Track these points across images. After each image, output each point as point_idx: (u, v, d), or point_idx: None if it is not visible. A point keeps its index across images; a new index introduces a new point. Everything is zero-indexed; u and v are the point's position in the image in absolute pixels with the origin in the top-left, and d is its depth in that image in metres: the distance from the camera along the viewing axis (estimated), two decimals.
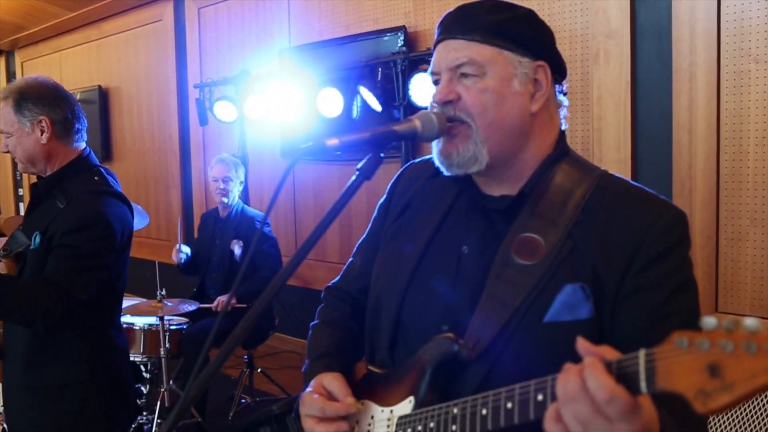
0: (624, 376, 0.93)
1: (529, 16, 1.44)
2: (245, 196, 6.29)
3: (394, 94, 4.86)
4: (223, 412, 4.96)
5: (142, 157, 8.13)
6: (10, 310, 2.32)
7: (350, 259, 1.80)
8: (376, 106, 4.87)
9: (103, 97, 8.49)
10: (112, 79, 8.46)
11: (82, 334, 2.49)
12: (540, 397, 1.06)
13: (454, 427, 1.24)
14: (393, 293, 1.52)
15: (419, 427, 1.33)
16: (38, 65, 9.98)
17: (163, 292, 4.36)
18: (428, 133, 1.38)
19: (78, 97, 8.63)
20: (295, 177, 6.16)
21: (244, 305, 4.62)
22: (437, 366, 1.35)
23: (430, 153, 1.49)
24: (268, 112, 5.62)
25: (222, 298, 4.64)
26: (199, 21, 7.08)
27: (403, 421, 1.38)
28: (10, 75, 10.74)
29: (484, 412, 1.17)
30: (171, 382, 4.33)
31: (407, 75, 4.72)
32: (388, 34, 5.17)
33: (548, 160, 1.44)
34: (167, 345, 4.29)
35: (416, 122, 1.36)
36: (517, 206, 1.42)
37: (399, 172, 1.72)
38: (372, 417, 1.47)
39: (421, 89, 4.54)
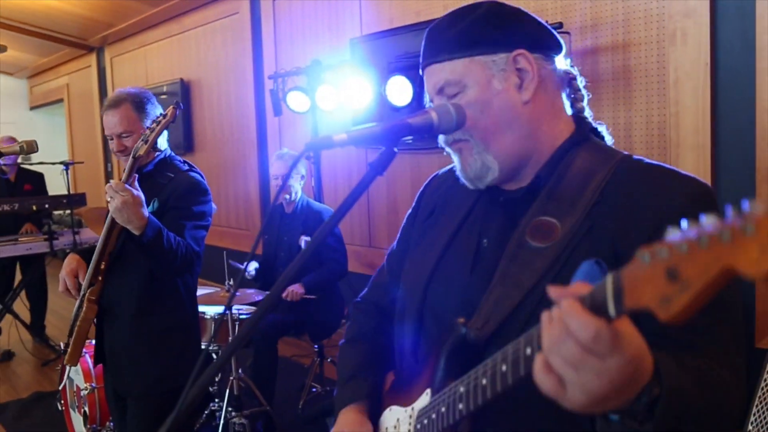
0: (597, 306, 0.88)
1: (489, 12, 1.39)
2: (317, 189, 6.32)
3: None
4: (293, 400, 5.00)
5: (221, 148, 8.29)
6: (166, 256, 2.66)
7: (378, 270, 1.79)
8: None
9: (184, 89, 8.70)
10: (192, 71, 8.66)
11: (181, 286, 2.95)
12: (528, 351, 1.01)
13: (460, 406, 1.20)
14: (415, 294, 1.50)
15: (433, 416, 1.31)
16: (125, 61, 10.32)
17: (231, 282, 4.42)
18: (446, 126, 1.33)
19: (163, 89, 8.88)
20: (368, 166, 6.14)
21: (313, 297, 4.65)
22: (450, 353, 1.32)
23: None
24: (339, 102, 5.61)
25: (292, 288, 4.66)
26: (274, 12, 7.14)
27: (420, 414, 1.37)
28: (101, 71, 11.15)
29: (484, 381, 1.13)
30: (240, 371, 4.39)
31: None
32: None
33: (564, 146, 1.40)
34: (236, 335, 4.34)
35: (432, 114, 1.32)
36: (534, 193, 1.38)
37: (425, 183, 1.72)
38: (398, 420, 1.46)
39: None
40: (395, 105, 5.13)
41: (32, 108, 14.49)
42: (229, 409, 4.31)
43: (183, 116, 8.67)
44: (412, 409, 1.41)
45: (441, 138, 1.42)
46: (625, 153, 1.37)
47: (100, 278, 2.83)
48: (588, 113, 1.48)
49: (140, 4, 8.63)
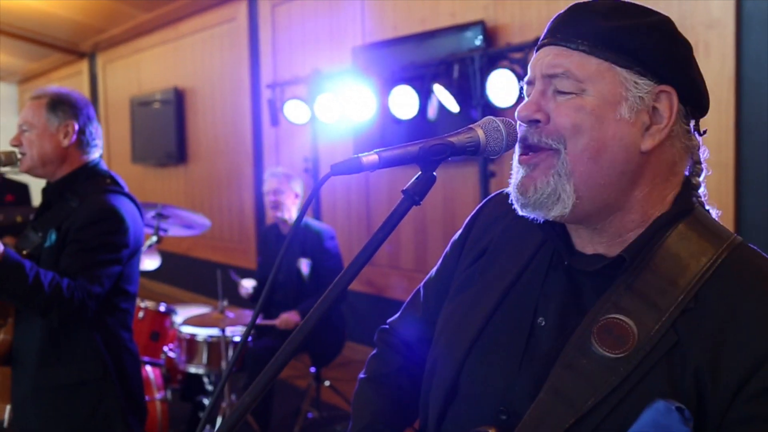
0: None
1: (662, 26, 1.11)
2: (316, 205, 6.09)
3: (471, 93, 4.55)
4: (288, 426, 4.75)
5: (215, 159, 8.07)
6: (27, 295, 2.31)
7: (411, 296, 1.53)
8: (453, 106, 4.58)
9: (178, 97, 8.48)
10: (187, 79, 8.44)
11: (95, 333, 2.55)
12: None
13: None
14: (450, 360, 1.24)
15: None
16: (118, 68, 10.13)
17: (225, 303, 4.18)
18: (494, 146, 1.09)
19: (156, 97, 8.66)
20: (369, 181, 5.92)
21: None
22: None
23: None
24: (340, 113, 5.40)
25: (285, 315, 4.40)
26: (273, 19, 6.94)
27: None
28: (93, 77, 10.95)
29: None
30: (233, 397, 4.15)
31: (485, 72, 4.40)
32: (465, 29, 4.87)
33: (663, 219, 1.10)
34: (230, 359, 4.11)
35: (479, 132, 1.09)
36: (613, 274, 1.09)
37: (480, 205, 1.43)
38: None
39: (500, 88, 4.21)
40: (399, 117, 4.92)
41: None
42: None
43: (176, 126, 8.46)
44: None
45: (519, 131, 1.13)
46: (738, 239, 1.09)
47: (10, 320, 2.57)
48: (702, 191, 1.18)
49: (134, 10, 8.44)
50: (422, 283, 1.50)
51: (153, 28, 8.85)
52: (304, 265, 4.56)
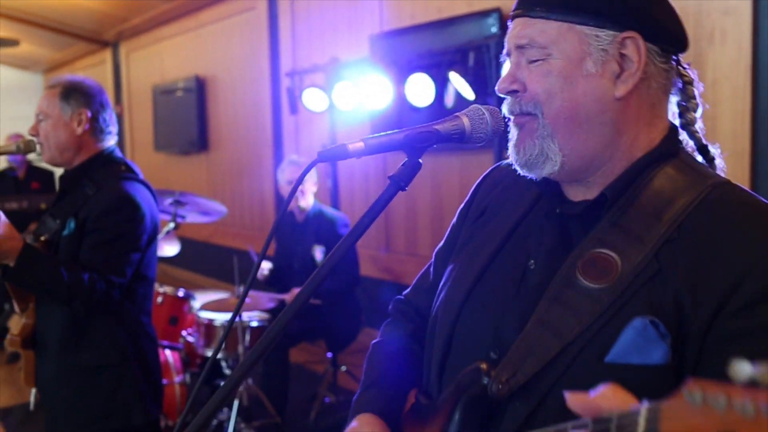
0: None
1: None
2: (334, 194, 6.12)
3: (487, 81, 4.56)
4: (305, 410, 4.82)
5: (236, 147, 8.14)
6: (52, 287, 2.38)
7: (425, 267, 1.58)
8: (468, 93, 4.59)
9: (200, 86, 8.55)
10: (208, 68, 8.51)
11: (115, 319, 2.61)
12: None
13: None
14: (448, 312, 1.29)
15: None
16: (141, 57, 10.21)
17: (242, 288, 4.24)
18: (479, 133, 1.14)
19: (178, 86, 8.74)
20: (386, 168, 5.93)
21: (318, 302, 4.46)
22: (467, 405, 1.13)
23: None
24: (357, 102, 5.43)
25: (296, 290, 4.45)
26: (292, 7, 6.96)
27: None
28: (116, 66, 11.05)
29: None
30: (250, 380, 4.22)
31: (501, 60, 4.40)
32: (482, 17, 4.87)
33: (646, 158, 1.15)
34: (246, 343, 4.18)
35: (464, 120, 1.13)
36: (598, 214, 1.14)
37: (484, 174, 1.48)
38: None
39: None
40: (415, 105, 4.94)
41: None
42: (239, 419, 4.14)
43: (197, 114, 8.54)
44: None
45: (505, 105, 1.20)
46: (723, 178, 1.13)
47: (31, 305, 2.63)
48: (699, 127, 1.23)
49: None
50: (433, 255, 1.56)
51: (174, 17, 8.92)
52: (319, 252, 4.62)
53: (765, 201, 1.08)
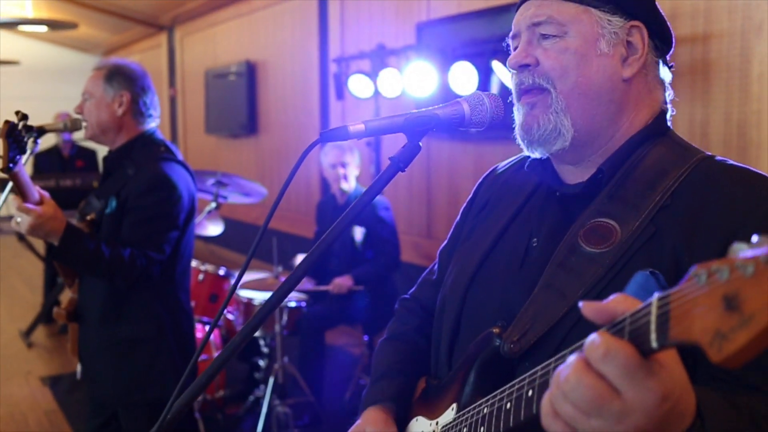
0: (637, 332, 0.72)
1: None
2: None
3: None
4: (341, 391, 4.91)
5: (284, 131, 8.25)
6: (94, 264, 2.49)
7: (430, 267, 1.66)
8: (510, 82, 4.57)
9: (250, 70, 8.68)
10: (259, 53, 8.63)
11: (153, 294, 2.73)
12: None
13: (482, 429, 1.08)
14: (456, 292, 1.37)
15: None
16: (195, 41, 10.39)
17: (280, 269, 4.34)
18: (478, 118, 1.19)
19: (231, 70, 8.87)
20: (430, 155, 5.97)
21: (360, 288, 4.52)
22: (481, 367, 1.19)
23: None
24: (402, 88, 5.46)
25: (338, 280, 4.54)
26: None
27: (444, 430, 1.26)
28: (171, 50, 11.26)
29: (508, 405, 1.00)
30: (286, 359, 4.32)
31: (504, 44, 4.37)
32: None
33: (638, 137, 1.23)
34: (283, 323, 4.28)
35: (463, 105, 1.18)
36: (596, 189, 1.22)
37: (484, 175, 1.57)
38: None
39: None
40: (458, 94, 4.96)
41: None
42: (274, 396, 4.24)
43: (248, 98, 8.67)
44: (437, 423, 1.30)
45: (514, 78, 1.28)
46: (708, 153, 1.20)
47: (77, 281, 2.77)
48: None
49: None
50: (438, 252, 1.62)
51: (228, 2, 9.06)
52: (359, 233, 4.68)
53: (744, 166, 1.16)
